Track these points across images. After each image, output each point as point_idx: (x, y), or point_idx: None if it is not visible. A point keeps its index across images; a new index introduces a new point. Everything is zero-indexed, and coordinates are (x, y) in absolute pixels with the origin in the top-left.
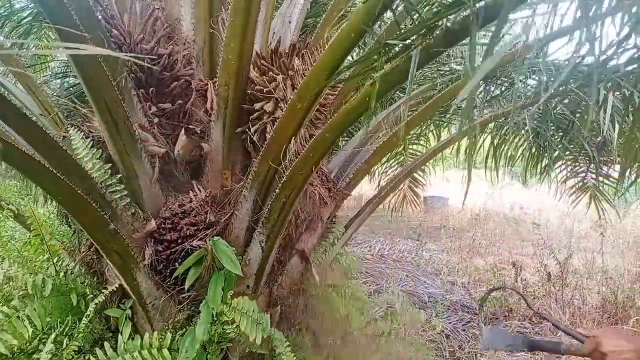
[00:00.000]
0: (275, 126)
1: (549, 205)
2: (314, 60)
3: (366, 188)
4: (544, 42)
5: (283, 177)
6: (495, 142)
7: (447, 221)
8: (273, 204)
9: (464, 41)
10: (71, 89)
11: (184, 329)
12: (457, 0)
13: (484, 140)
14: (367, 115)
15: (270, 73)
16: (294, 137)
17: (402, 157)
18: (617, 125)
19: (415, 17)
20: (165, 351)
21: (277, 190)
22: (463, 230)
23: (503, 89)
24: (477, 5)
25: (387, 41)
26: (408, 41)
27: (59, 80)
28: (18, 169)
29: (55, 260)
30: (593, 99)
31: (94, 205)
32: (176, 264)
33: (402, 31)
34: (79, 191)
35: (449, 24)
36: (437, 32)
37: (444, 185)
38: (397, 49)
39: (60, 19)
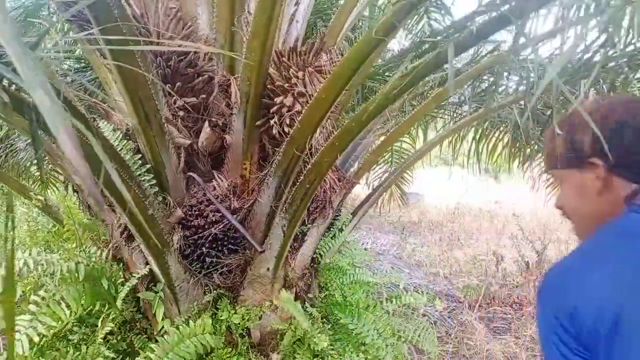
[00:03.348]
0: (301, 116)
1: (522, 199)
2: (333, 57)
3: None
4: (537, 42)
5: (308, 164)
6: (477, 136)
7: (425, 216)
8: (297, 190)
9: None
10: None
11: (211, 312)
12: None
13: (464, 136)
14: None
15: (291, 70)
16: (319, 127)
17: (388, 156)
18: None
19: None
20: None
21: (301, 177)
22: (441, 224)
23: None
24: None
25: (423, 39)
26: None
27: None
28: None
29: (84, 248)
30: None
31: (135, 190)
32: (203, 248)
33: (433, 31)
34: (123, 176)
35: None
36: (465, 32)
37: (417, 182)
38: (426, 46)
39: (101, 10)
